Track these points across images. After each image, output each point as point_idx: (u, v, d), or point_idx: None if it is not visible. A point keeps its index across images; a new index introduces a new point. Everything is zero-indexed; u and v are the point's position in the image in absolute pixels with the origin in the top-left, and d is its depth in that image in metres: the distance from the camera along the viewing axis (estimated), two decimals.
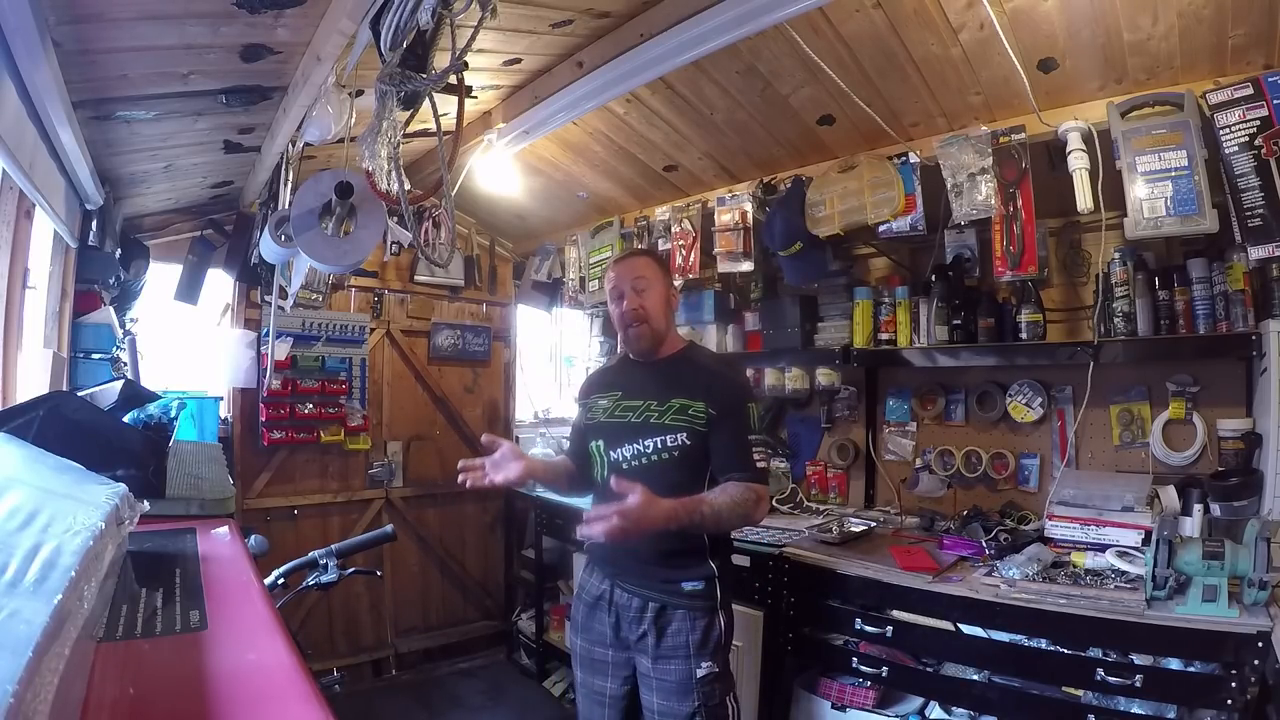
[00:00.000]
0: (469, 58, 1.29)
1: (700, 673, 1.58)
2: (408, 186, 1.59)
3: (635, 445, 1.67)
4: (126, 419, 1.61)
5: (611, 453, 1.70)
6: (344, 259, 1.69)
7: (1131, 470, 2.19)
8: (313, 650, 3.12)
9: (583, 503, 1.81)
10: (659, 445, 1.64)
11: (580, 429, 1.86)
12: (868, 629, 1.97)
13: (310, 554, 1.74)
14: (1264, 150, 1.68)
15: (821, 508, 2.82)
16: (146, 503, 1.01)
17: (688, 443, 1.62)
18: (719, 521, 1.56)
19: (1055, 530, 2.00)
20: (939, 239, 2.43)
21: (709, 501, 1.54)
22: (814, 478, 2.98)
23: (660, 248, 3.08)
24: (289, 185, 2.29)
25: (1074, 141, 1.96)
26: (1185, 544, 1.58)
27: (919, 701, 1.98)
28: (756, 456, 1.61)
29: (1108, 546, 1.86)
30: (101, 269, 2.48)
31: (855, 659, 2.01)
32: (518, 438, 4.15)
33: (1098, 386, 2.16)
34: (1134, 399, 2.22)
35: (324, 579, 1.71)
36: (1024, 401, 2.43)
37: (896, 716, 1.97)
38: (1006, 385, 2.48)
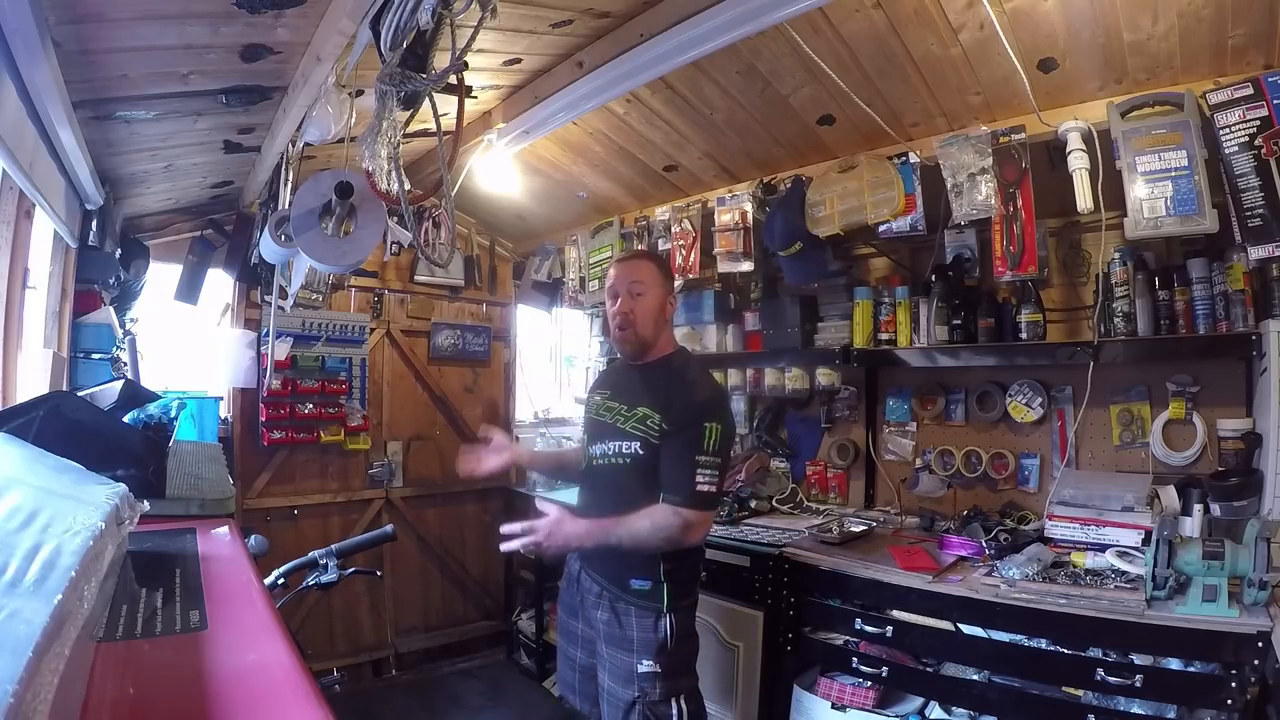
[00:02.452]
0: (469, 58, 1.29)
1: (641, 669, 1.61)
2: (408, 186, 1.59)
3: (605, 445, 1.72)
4: (126, 419, 1.61)
5: (591, 448, 1.77)
6: (344, 259, 1.70)
7: (1131, 470, 2.19)
8: (313, 650, 3.12)
9: (566, 495, 1.86)
10: (618, 450, 1.68)
11: (584, 421, 1.94)
12: (868, 629, 1.97)
13: (310, 554, 1.74)
14: (1264, 150, 1.68)
15: (821, 508, 2.82)
16: (146, 503, 1.01)
17: (640, 452, 1.64)
18: (637, 544, 1.58)
19: (1055, 530, 2.00)
20: (939, 239, 2.43)
21: (625, 524, 1.57)
22: (814, 478, 2.98)
23: (660, 248, 3.08)
24: (289, 185, 2.29)
25: (1074, 141, 1.96)
26: (1185, 544, 1.58)
27: (919, 701, 1.98)
28: (701, 480, 1.57)
29: (1108, 546, 1.86)
30: (101, 269, 2.47)
31: (855, 659, 2.01)
32: (518, 437, 4.15)
33: (1098, 386, 2.16)
34: (1134, 399, 2.22)
35: (324, 579, 1.71)
36: (1024, 401, 2.43)
37: (896, 716, 1.96)
38: (1006, 385, 2.48)
